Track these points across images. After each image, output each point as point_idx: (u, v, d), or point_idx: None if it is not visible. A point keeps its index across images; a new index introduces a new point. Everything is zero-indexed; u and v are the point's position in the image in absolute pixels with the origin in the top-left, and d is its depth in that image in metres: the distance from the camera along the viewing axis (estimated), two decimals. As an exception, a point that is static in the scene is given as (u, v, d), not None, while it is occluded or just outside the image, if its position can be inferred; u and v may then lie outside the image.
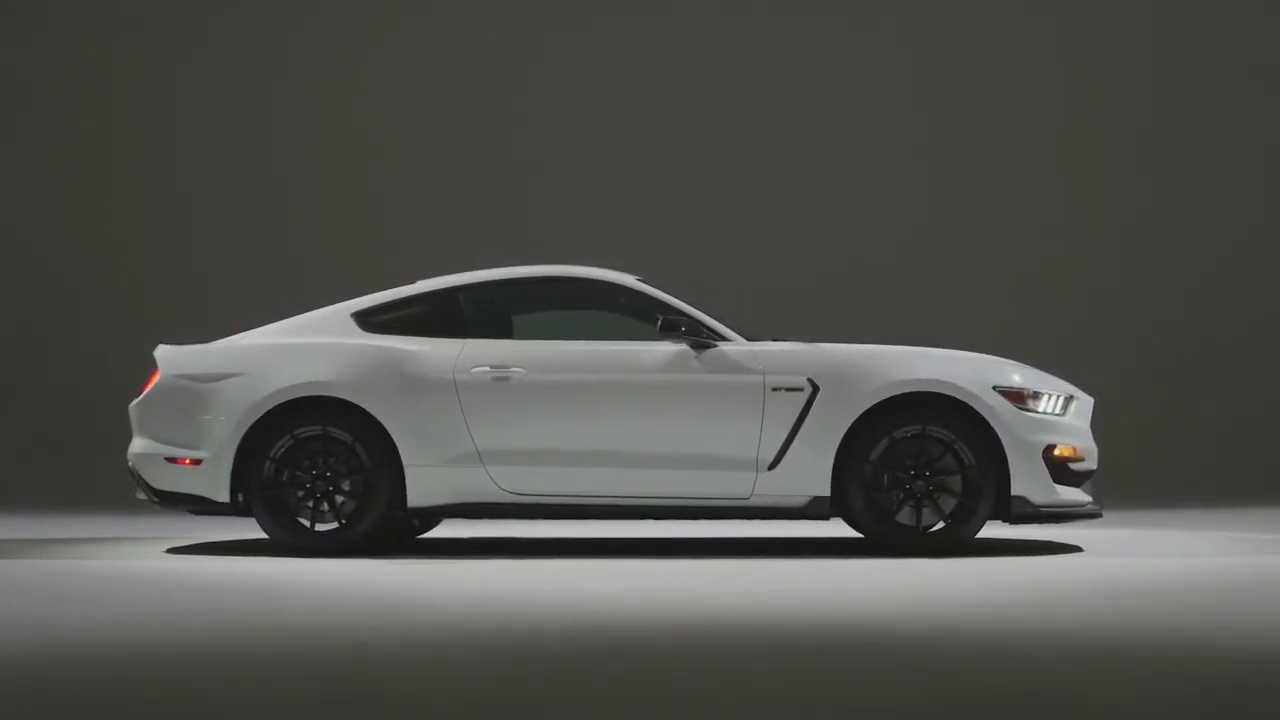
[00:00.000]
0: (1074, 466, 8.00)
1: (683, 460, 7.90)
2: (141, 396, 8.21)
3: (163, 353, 8.28)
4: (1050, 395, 8.03)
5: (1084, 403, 8.22)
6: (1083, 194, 13.98)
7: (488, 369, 8.01)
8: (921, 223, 13.88)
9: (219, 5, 13.83)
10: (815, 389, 7.88)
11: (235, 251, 13.47)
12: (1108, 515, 8.31)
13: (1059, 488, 7.89)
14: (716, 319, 8.13)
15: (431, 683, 4.56)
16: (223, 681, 4.57)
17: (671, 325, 7.93)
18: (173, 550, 8.27)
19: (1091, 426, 8.20)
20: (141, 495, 8.20)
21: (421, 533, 9.37)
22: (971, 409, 7.83)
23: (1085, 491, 8.05)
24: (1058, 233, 13.90)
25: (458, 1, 13.93)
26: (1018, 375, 8.05)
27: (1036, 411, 7.93)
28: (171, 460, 8.07)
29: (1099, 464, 8.31)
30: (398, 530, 9.02)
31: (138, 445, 8.17)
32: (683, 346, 7.98)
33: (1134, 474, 10.71)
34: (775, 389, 7.90)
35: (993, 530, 8.63)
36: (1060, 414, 8.03)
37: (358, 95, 13.82)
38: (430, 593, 6.77)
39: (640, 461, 7.91)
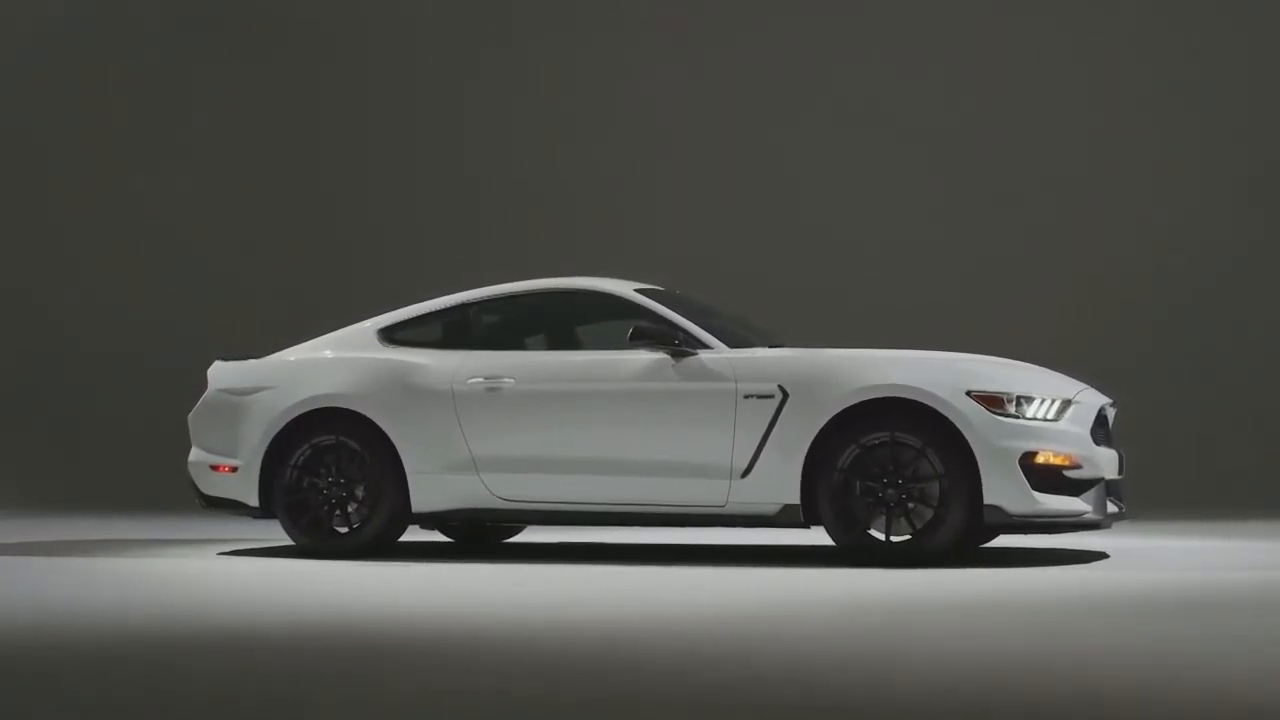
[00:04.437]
0: (1070, 474, 7.60)
1: (661, 468, 7.96)
2: (194, 409, 8.94)
3: (213, 369, 8.97)
4: (1042, 400, 7.66)
5: (1085, 407, 7.79)
6: (1150, 195, 13.33)
7: (482, 380, 8.30)
8: (980, 225, 13.58)
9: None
10: (785, 395, 7.80)
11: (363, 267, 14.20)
12: (1162, 524, 7.90)
13: (1042, 496, 7.51)
14: (705, 327, 8.16)
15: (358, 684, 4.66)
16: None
17: (640, 334, 8.02)
18: (224, 553, 8.93)
19: (1118, 431, 7.83)
20: (197, 500, 8.92)
21: (506, 538, 9.77)
22: (941, 414, 7.57)
23: (1088, 500, 7.64)
24: (1123, 236, 13.39)
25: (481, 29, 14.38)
26: (1002, 378, 7.71)
27: (1020, 416, 7.58)
28: (214, 468, 8.74)
29: (1121, 471, 7.95)
30: (468, 536, 9.51)
31: (192, 454, 8.89)
32: (661, 355, 8.05)
33: (1203, 483, 10.03)
34: (747, 396, 7.86)
35: (1006, 539, 8.34)
36: (1052, 419, 7.65)
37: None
38: (398, 595, 6.95)
39: (621, 469, 8.02)
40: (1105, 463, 7.77)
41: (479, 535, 9.62)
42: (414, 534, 9.58)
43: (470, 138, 14.44)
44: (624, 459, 8.01)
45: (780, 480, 7.76)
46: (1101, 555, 8.29)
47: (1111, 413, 8.28)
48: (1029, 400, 7.64)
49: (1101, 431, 7.99)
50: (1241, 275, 13.13)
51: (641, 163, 14.07)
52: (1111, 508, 7.85)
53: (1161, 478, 11.04)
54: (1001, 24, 13.74)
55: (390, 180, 14.54)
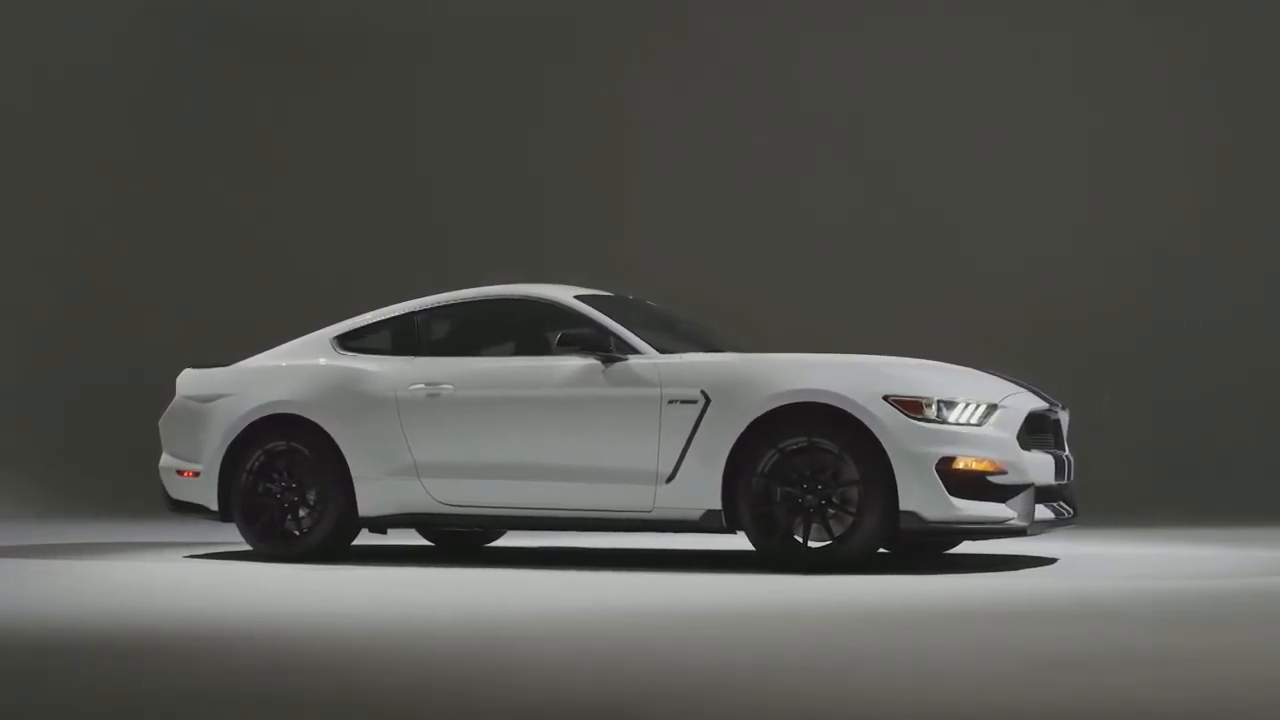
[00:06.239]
0: (994, 480, 7.45)
1: (590, 473, 7.97)
2: (163, 416, 9.17)
3: (181, 376, 9.20)
4: (966, 404, 7.52)
5: (1013, 411, 7.62)
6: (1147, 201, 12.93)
7: (423, 386, 8.40)
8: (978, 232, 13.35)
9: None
10: (707, 401, 7.76)
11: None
12: (1132, 530, 7.72)
13: (961, 502, 7.36)
14: (638, 332, 8.14)
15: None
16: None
17: (567, 340, 8.04)
18: (190, 556, 9.15)
19: (1077, 438, 7.70)
20: (165, 503, 9.15)
21: (487, 542, 9.86)
22: (857, 419, 7.46)
23: (1014, 506, 7.47)
24: (1115, 243, 13.10)
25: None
26: (922, 382, 7.57)
27: (941, 421, 7.44)
28: (180, 473, 8.98)
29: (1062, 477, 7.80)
30: (454, 540, 9.65)
31: (161, 459, 9.13)
32: (592, 361, 8.06)
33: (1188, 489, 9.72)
34: (671, 401, 7.84)
35: (970, 546, 8.18)
36: (975, 424, 7.50)
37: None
38: (319, 599, 6.98)
39: (552, 474, 8.05)
40: (1035, 468, 7.59)
41: (460, 540, 9.74)
42: (406, 538, 9.74)
43: (481, 139, 14.58)
44: (554, 464, 8.04)
45: (702, 485, 7.73)
46: (1050, 560, 8.11)
47: (1064, 416, 8.10)
48: (950, 405, 7.50)
49: (1044, 436, 7.82)
50: (1231, 284, 12.82)
51: (638, 166, 14.10)
52: (1045, 513, 7.65)
53: (1155, 480, 10.76)
54: (983, 34, 13.55)
55: (387, 181, 14.71)
